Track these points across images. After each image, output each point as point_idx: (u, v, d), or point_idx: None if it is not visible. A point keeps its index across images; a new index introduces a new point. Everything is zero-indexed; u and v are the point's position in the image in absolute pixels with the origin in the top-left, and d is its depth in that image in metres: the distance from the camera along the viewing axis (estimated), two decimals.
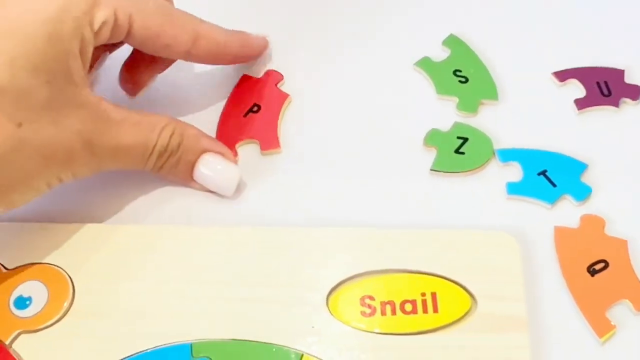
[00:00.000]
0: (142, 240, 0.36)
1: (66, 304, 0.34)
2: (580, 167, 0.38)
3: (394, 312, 0.33)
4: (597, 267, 0.34)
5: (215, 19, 0.38)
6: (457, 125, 0.40)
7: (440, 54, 0.43)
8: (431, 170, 0.38)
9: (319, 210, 0.37)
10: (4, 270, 0.35)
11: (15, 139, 0.31)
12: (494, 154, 0.38)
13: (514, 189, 0.37)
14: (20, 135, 0.31)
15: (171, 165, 0.36)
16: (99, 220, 0.37)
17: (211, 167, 0.36)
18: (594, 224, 0.36)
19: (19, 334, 0.33)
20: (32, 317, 0.33)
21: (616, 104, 0.40)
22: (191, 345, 0.33)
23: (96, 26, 0.32)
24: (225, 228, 0.36)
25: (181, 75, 0.41)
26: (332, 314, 0.33)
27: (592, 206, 0.36)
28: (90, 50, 0.33)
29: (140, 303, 0.34)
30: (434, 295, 0.33)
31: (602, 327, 0.33)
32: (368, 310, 0.33)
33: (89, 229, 0.36)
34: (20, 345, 0.33)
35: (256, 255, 0.35)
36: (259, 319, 0.33)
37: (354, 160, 0.39)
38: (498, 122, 0.39)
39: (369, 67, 0.43)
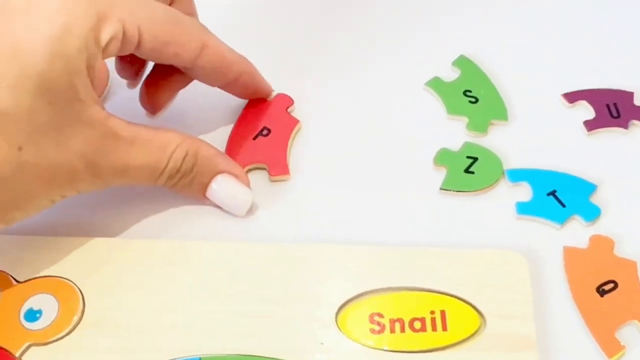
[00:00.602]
0: (152, 255, 0.36)
1: (76, 318, 0.34)
2: (589, 187, 0.38)
3: (403, 330, 0.33)
4: (607, 287, 0.34)
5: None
6: (467, 145, 0.40)
7: (450, 74, 0.43)
8: (441, 189, 0.38)
9: (329, 229, 0.37)
10: (15, 283, 0.35)
11: (14, 163, 0.30)
12: (503, 173, 0.39)
13: (523, 208, 0.37)
14: (21, 160, 0.30)
15: (184, 185, 0.36)
16: (112, 234, 0.37)
17: (225, 189, 0.37)
18: (603, 244, 0.36)
19: (29, 347, 0.33)
20: (42, 330, 0.34)
21: (625, 126, 0.40)
22: (200, 359, 0.33)
23: (103, 42, 0.32)
24: (235, 243, 0.36)
25: (191, 95, 0.41)
26: (341, 331, 0.33)
27: (601, 227, 0.37)
28: (97, 66, 0.32)
29: (150, 317, 0.34)
30: (443, 313, 0.33)
31: (611, 348, 0.33)
32: (377, 328, 0.33)
33: (100, 243, 0.36)
34: (30, 358, 0.33)
35: (266, 271, 0.35)
36: (268, 335, 0.33)
37: (364, 178, 0.39)
38: (508, 143, 0.40)
39: (380, 87, 0.43)
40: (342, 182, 0.39)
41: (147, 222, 0.38)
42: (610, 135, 0.40)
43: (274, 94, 0.42)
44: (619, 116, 0.40)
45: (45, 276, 0.35)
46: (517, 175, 0.38)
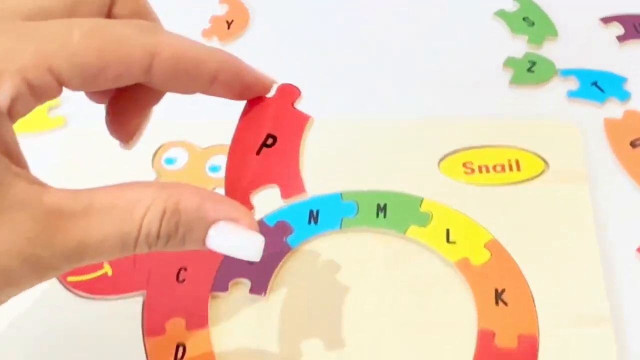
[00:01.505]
0: None
1: None
2: (621, 79, 0.50)
3: (487, 171, 0.45)
4: (637, 142, 0.46)
5: None
6: (528, 54, 0.53)
7: (512, 7, 0.56)
8: (510, 83, 0.51)
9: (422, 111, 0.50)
10: (199, 149, 0.48)
11: None
12: (556, 72, 0.51)
13: (573, 94, 0.50)
14: None
15: (174, 247, 0.28)
16: None
17: (225, 241, 0.28)
18: (633, 116, 0.48)
19: (214, 188, 0.45)
20: (221, 179, 0.46)
21: None
22: (341, 194, 0.45)
23: (3, 104, 0.25)
24: (361, 120, 0.50)
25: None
26: (442, 172, 0.46)
27: (631, 105, 0.49)
28: (7, 132, 0.26)
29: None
30: (517, 161, 0.45)
31: None
32: (469, 171, 0.45)
33: None
34: None
35: (393, 139, 0.48)
36: (392, 178, 0.45)
37: (445, 73, 0.52)
38: (558, 52, 0.52)
39: (459, 17, 0.56)
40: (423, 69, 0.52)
41: None
42: (636, 45, 0.53)
43: (275, 86, 0.32)
44: None
45: (219, 144, 0.48)
46: (567, 72, 0.51)
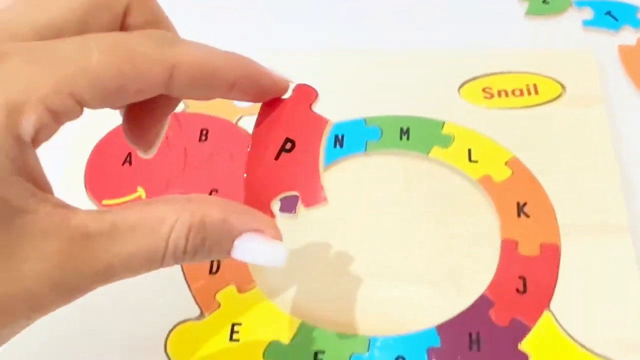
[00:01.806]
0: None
1: None
2: (634, 8, 0.52)
3: (507, 96, 0.47)
4: None
5: None
6: None
7: None
8: (525, 14, 0.52)
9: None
10: None
11: None
12: (571, 3, 0.52)
13: (588, 22, 0.51)
14: None
15: (200, 259, 0.28)
16: None
17: (250, 253, 0.29)
18: None
19: (240, 117, 0.47)
20: (249, 107, 0.47)
21: None
22: (365, 119, 0.46)
23: (27, 136, 0.24)
24: (390, 54, 0.51)
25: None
26: (462, 98, 0.47)
27: None
28: (31, 159, 0.25)
29: None
30: (535, 85, 0.47)
31: None
32: (488, 96, 0.47)
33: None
34: (242, 123, 0.47)
35: (414, 68, 0.49)
36: (414, 104, 0.47)
37: (470, 8, 0.54)
38: None
39: None
40: (442, 3, 0.53)
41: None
42: None
43: (291, 86, 0.31)
44: None
45: None
46: (582, 3, 0.52)
